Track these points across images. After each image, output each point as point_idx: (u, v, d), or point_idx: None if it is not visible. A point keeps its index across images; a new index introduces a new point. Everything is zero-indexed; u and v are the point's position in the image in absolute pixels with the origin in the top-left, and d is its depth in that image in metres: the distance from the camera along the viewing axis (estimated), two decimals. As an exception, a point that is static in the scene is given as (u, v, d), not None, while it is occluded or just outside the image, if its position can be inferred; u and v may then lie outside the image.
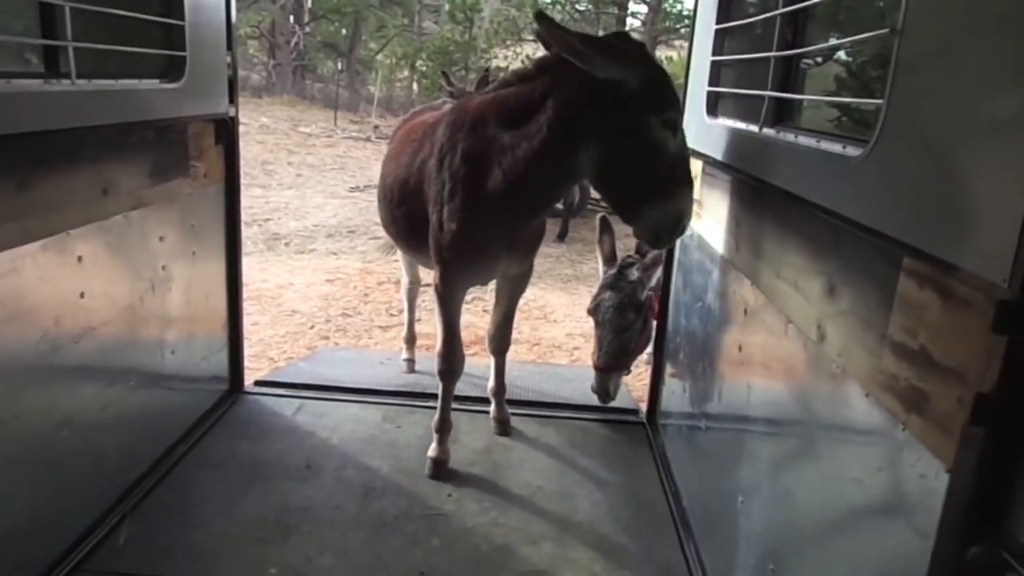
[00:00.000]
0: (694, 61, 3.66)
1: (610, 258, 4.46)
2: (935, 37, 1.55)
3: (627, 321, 4.16)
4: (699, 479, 3.17)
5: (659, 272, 4.24)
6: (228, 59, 3.61)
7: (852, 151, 1.85)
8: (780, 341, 2.28)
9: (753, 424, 2.55)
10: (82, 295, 2.62)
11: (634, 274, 4.25)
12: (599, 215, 4.72)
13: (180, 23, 3.11)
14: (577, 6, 24.10)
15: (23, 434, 2.36)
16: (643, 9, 23.37)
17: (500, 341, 3.91)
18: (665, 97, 2.66)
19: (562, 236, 11.12)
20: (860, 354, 1.74)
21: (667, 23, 22.66)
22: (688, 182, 2.77)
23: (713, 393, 3.04)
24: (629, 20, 24.37)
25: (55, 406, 2.53)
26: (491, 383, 3.98)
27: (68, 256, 2.52)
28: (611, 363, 4.14)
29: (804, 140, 2.24)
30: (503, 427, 3.95)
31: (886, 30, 1.67)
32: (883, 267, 1.65)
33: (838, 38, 2.46)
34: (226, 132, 3.65)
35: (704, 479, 3.11)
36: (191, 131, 3.34)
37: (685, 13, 21.27)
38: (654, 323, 4.34)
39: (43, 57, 2.50)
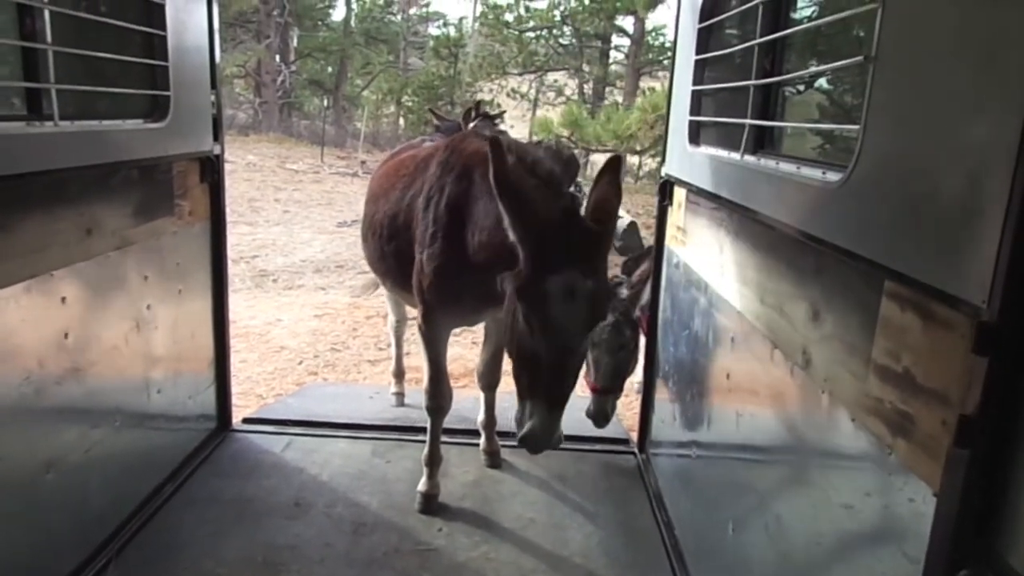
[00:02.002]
0: (675, 91, 3.71)
1: None
2: (908, 64, 1.58)
3: (624, 339, 4.11)
4: (691, 509, 3.15)
5: (647, 290, 4.23)
6: (212, 98, 3.63)
7: (832, 177, 1.88)
8: (767, 367, 2.28)
9: (742, 452, 2.55)
10: (66, 336, 2.60)
11: (624, 292, 4.25)
12: None
13: (164, 64, 3.13)
14: (560, 40, 24.41)
15: (7, 477, 2.32)
16: (626, 42, 23.70)
17: (490, 377, 3.89)
18: (532, 301, 2.38)
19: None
20: (845, 379, 1.75)
21: (650, 55, 22.97)
22: (551, 401, 2.41)
23: (702, 421, 3.03)
24: (612, 53, 24.70)
25: (39, 448, 2.50)
26: (481, 416, 3.96)
27: (52, 297, 2.51)
28: (609, 384, 4.04)
29: (784, 166, 2.27)
30: (493, 459, 3.93)
31: (860, 58, 1.71)
32: (865, 291, 1.67)
33: (815, 67, 2.50)
34: (211, 170, 3.66)
35: (695, 509, 3.09)
36: (176, 170, 3.35)
37: (667, 45, 21.57)
38: (643, 343, 4.36)
39: (26, 99, 2.50)
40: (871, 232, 1.67)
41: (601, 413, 4.06)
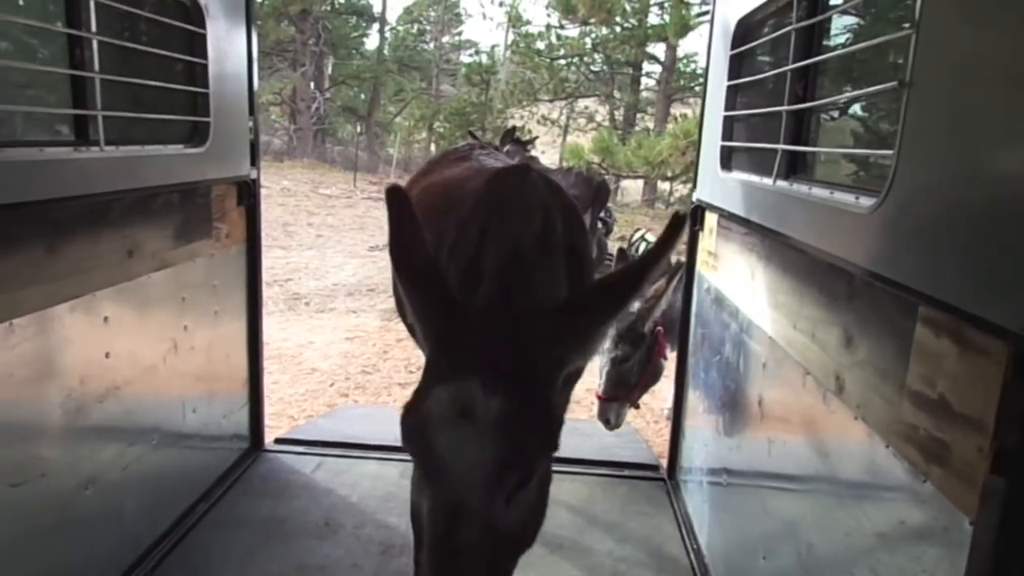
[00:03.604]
0: (707, 117, 3.73)
1: None
2: (943, 89, 1.58)
3: (625, 353, 4.15)
4: (721, 536, 3.11)
5: (663, 305, 4.23)
6: (250, 124, 3.72)
7: (865, 201, 1.87)
8: (799, 393, 2.27)
9: (774, 479, 2.52)
10: (107, 355, 2.66)
11: (635, 306, 4.24)
12: (618, 247, 4.75)
13: (204, 91, 3.23)
14: (591, 67, 24.58)
15: (48, 492, 2.37)
16: (657, 69, 23.79)
17: None
18: (407, 429, 1.67)
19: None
20: (879, 405, 1.73)
21: (681, 82, 23.02)
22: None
23: (733, 448, 3.01)
24: (643, 79, 24.80)
25: (79, 465, 2.55)
26: None
27: (94, 317, 2.58)
28: (611, 393, 4.19)
29: (817, 191, 2.26)
30: None
31: (894, 83, 1.71)
32: (899, 317, 1.66)
33: (848, 92, 2.50)
34: (248, 194, 3.74)
35: (726, 536, 3.05)
36: (214, 193, 3.43)
37: (699, 72, 21.63)
38: (663, 360, 4.35)
39: (73, 126, 2.59)
40: (905, 257, 1.66)
41: (603, 419, 4.22)
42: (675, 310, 4.49)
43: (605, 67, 24.52)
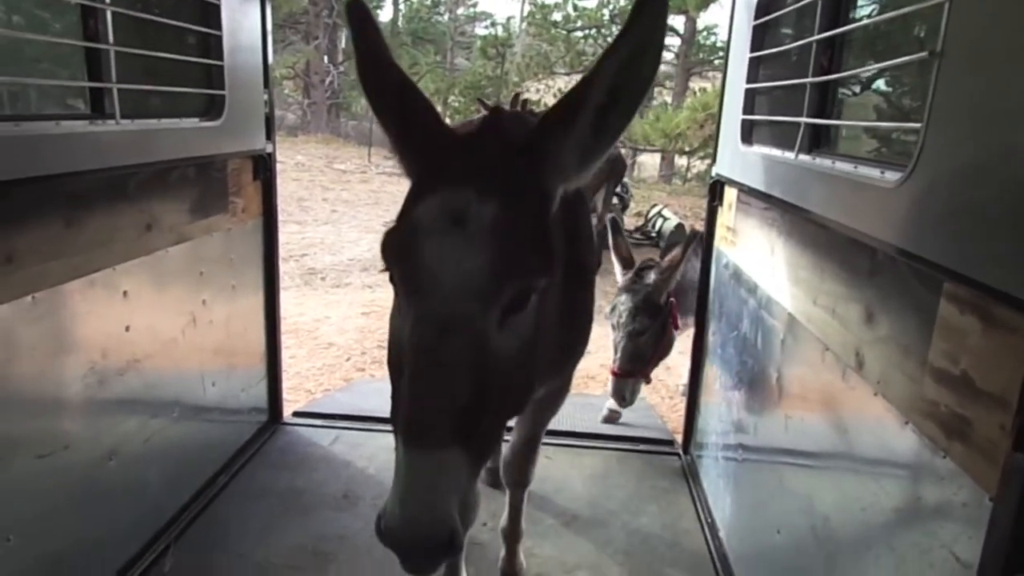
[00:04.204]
0: (728, 89, 3.68)
1: (627, 261, 4.43)
2: (976, 60, 1.54)
3: (642, 326, 4.14)
4: (735, 510, 3.12)
5: (678, 275, 4.22)
6: (265, 97, 3.70)
7: (891, 176, 1.84)
8: (817, 369, 2.25)
9: (791, 455, 2.51)
10: (127, 329, 2.68)
11: (651, 277, 4.25)
12: (609, 216, 4.71)
13: (219, 63, 3.21)
14: (609, 39, 24.28)
15: (73, 465, 2.41)
16: (676, 41, 23.47)
17: (518, 472, 2.84)
18: (392, 246, 1.54)
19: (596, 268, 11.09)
20: (900, 381, 1.72)
21: (700, 55, 22.72)
22: (414, 435, 1.34)
23: (750, 424, 3.00)
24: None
25: (102, 437, 2.58)
26: (503, 521, 2.99)
27: (114, 291, 2.59)
28: (627, 368, 4.18)
29: (841, 166, 2.23)
30: None
31: (925, 53, 1.67)
32: (923, 293, 1.64)
33: (874, 64, 2.45)
34: (263, 168, 3.74)
35: (741, 510, 3.05)
36: (230, 167, 3.43)
37: (719, 45, 21.33)
38: (675, 331, 4.35)
39: (89, 100, 2.59)
40: (931, 232, 1.64)
41: (619, 395, 4.20)
42: (687, 280, 4.47)
43: (622, 39, 24.19)
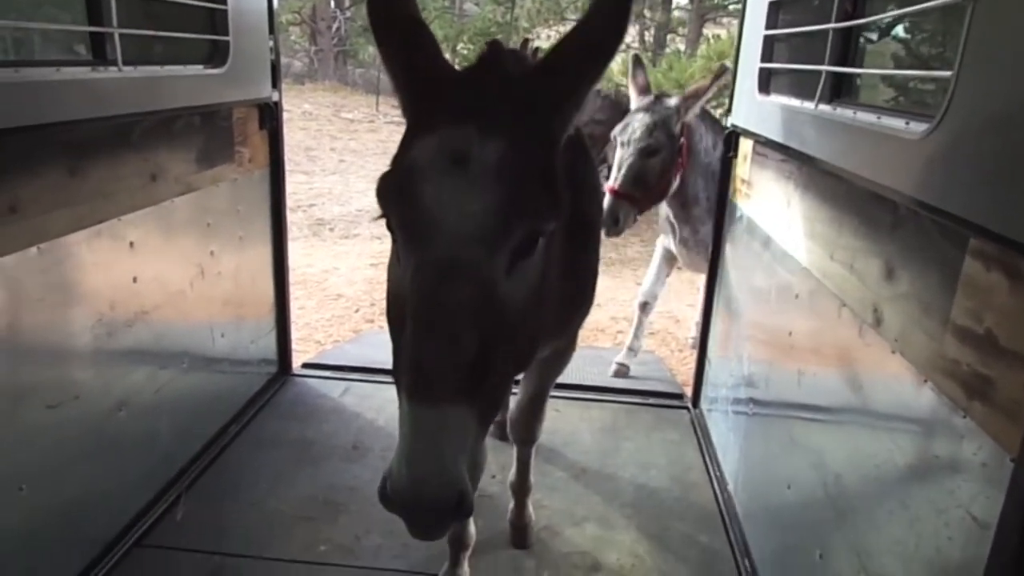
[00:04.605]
0: (745, 37, 3.57)
1: (644, 89, 4.20)
2: (1013, 3, 1.47)
3: (655, 144, 3.91)
4: (746, 466, 3.12)
5: (700, 104, 4.00)
6: (270, 43, 3.62)
7: (916, 127, 1.78)
8: (833, 325, 2.21)
9: (803, 410, 2.50)
10: (135, 280, 2.66)
11: (672, 102, 4.05)
12: (631, 52, 4.53)
13: (223, 7, 3.13)
14: (620, -16, 23.70)
15: (83, 415, 2.42)
16: (686, -13, 22.89)
17: (524, 429, 2.79)
18: (390, 190, 1.46)
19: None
20: (919, 339, 1.68)
21: (714, 0, 22.17)
22: (418, 390, 1.24)
23: (761, 378, 2.98)
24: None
25: (112, 388, 2.59)
26: (512, 476, 2.96)
27: (120, 242, 2.57)
28: (628, 188, 3.91)
29: (863, 116, 2.16)
30: (519, 536, 2.94)
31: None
32: (947, 248, 1.59)
33: (900, 9, 2.35)
34: (270, 117, 3.67)
35: (751, 466, 3.05)
36: (236, 116, 3.37)
37: (729, -11, 20.80)
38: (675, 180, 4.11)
39: (90, 46, 2.53)
40: (958, 186, 1.58)
41: (612, 217, 3.89)
42: (699, 161, 4.21)
43: (634, -15, 23.60)
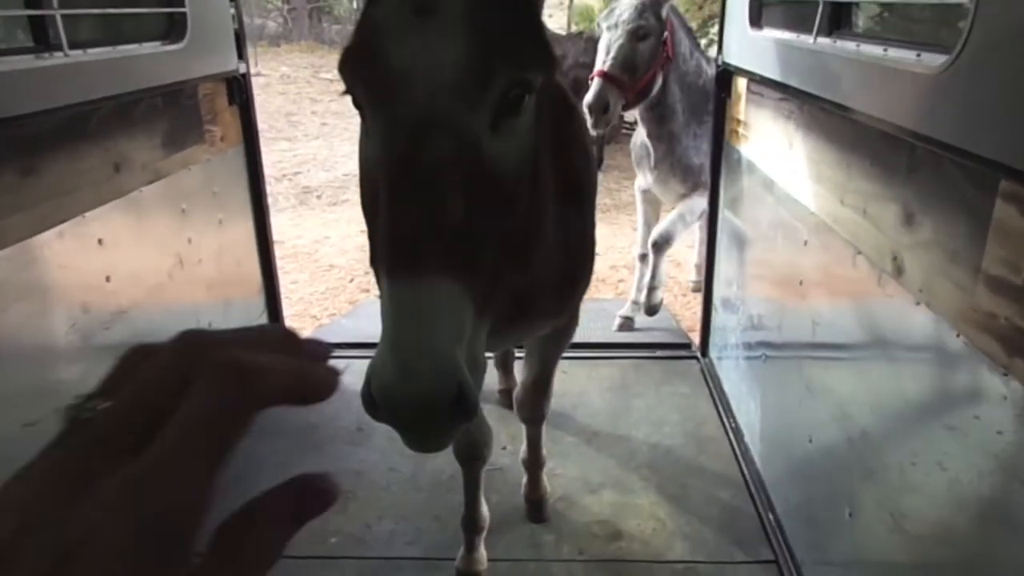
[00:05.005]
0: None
1: None
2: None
3: (646, 26, 3.74)
4: (760, 416, 3.02)
5: None
6: (232, 11, 3.41)
7: (931, 60, 1.62)
8: (848, 273, 2.09)
9: (819, 360, 2.39)
10: (108, 279, 2.52)
11: None
12: None
13: (176, -22, 2.92)
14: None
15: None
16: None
17: (530, 408, 2.69)
18: (353, 54, 1.29)
19: (598, 165, 10.79)
20: (948, 290, 1.56)
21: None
22: (400, 262, 1.07)
23: (773, 327, 2.87)
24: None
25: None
26: (523, 452, 2.89)
27: (87, 240, 2.42)
28: (617, 73, 3.71)
29: (867, 50, 2.00)
30: (536, 510, 2.86)
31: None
32: (974, 192, 1.45)
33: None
34: (239, 90, 3.48)
35: (767, 417, 2.96)
36: (201, 93, 3.19)
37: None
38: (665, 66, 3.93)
39: (30, 30, 2.34)
40: (983, 124, 1.44)
41: (600, 103, 3.67)
42: (687, 81, 4.06)
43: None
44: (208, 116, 3.25)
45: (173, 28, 2.98)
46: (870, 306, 1.97)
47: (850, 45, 2.12)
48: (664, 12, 3.83)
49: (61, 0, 2.30)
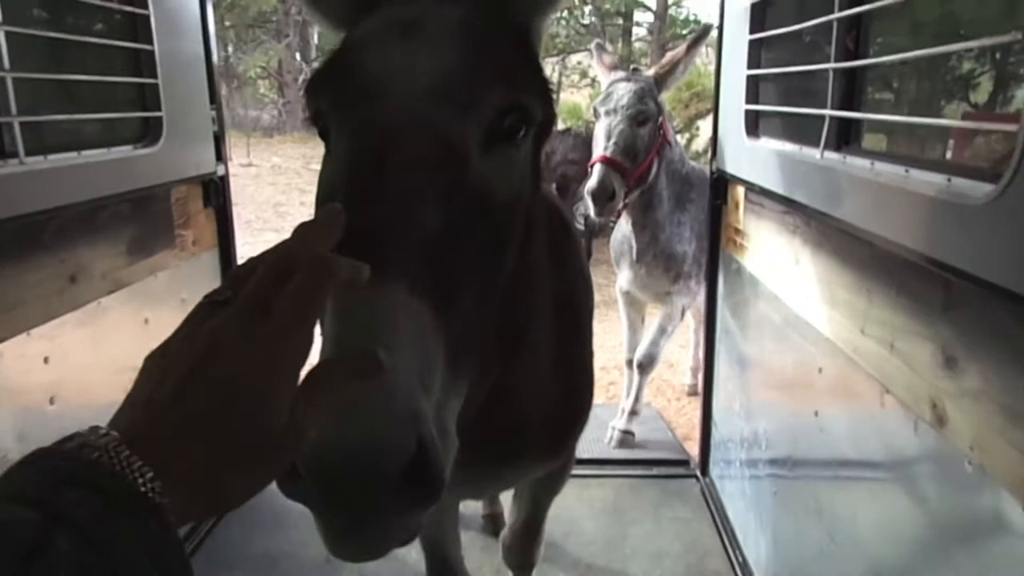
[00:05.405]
0: (724, 75, 3.29)
1: (615, 68, 3.97)
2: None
3: (645, 111, 3.63)
4: (773, 554, 2.75)
5: (680, 73, 3.76)
6: (212, 114, 3.28)
7: (965, 186, 1.46)
8: (875, 412, 1.88)
9: (845, 504, 2.15)
10: (52, 401, 2.28)
11: (649, 73, 3.81)
12: (595, 42, 4.38)
13: (153, 81, 2.79)
14: (581, 20, 23.80)
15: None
16: (649, 18, 23.02)
17: (520, 555, 2.45)
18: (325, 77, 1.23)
19: (587, 257, 10.70)
20: (1005, 451, 1.35)
21: (674, 29, 22.29)
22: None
23: (784, 456, 2.63)
24: (635, 30, 24.04)
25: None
26: None
27: (30, 360, 2.19)
28: (619, 157, 3.56)
29: (885, 169, 1.85)
30: None
31: (1015, 35, 1.29)
32: (1034, 343, 1.27)
33: (912, 43, 2.05)
34: (215, 193, 3.32)
35: (780, 557, 2.69)
36: (174, 197, 3.02)
37: (691, 18, 20.92)
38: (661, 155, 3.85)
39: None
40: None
41: (604, 187, 3.49)
42: (672, 169, 3.96)
43: (595, 19, 23.73)
44: (180, 220, 3.07)
45: (147, 131, 2.84)
46: (905, 455, 1.75)
47: (863, 163, 1.98)
48: (661, 97, 3.77)
49: (24, 105, 2.14)
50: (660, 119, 3.79)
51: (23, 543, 0.51)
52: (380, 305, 0.80)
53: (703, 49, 4.07)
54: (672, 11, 22.56)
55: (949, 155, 1.95)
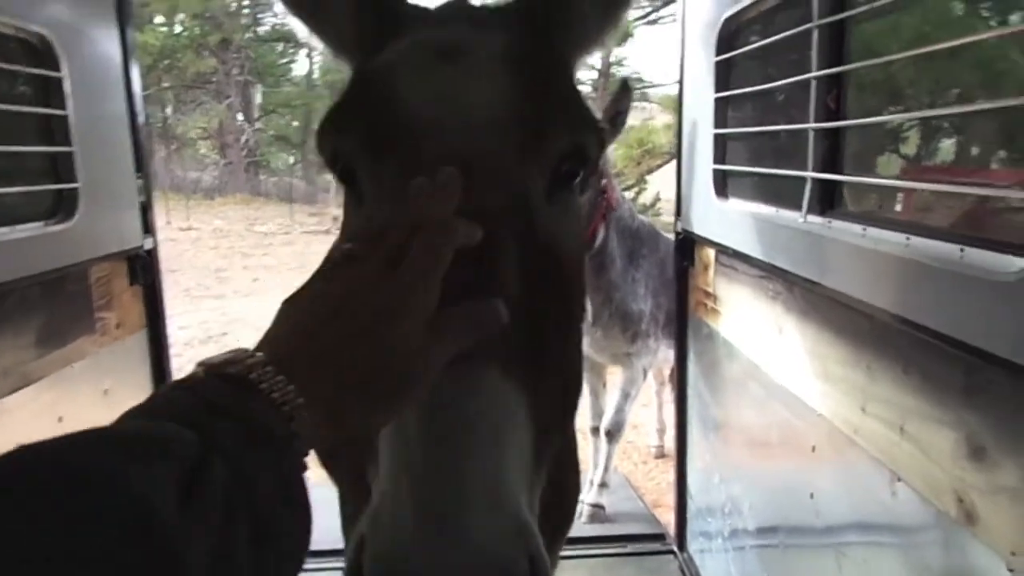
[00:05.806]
0: (687, 134, 3.17)
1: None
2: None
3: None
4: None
5: (616, 128, 3.61)
6: (139, 182, 3.02)
7: (993, 260, 1.30)
8: (885, 501, 1.69)
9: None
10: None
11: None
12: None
13: (67, 150, 2.53)
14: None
15: None
16: (593, 75, 23.48)
17: None
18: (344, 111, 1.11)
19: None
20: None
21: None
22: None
23: (776, 543, 2.42)
24: (581, 88, 24.49)
25: None
26: None
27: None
28: None
29: (880, 235, 1.70)
30: None
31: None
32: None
33: (893, 105, 1.94)
34: (143, 268, 3.03)
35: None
36: (94, 276, 2.73)
37: (635, 75, 21.40)
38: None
39: None
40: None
41: None
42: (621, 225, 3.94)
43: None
44: (101, 301, 2.78)
45: (61, 205, 2.56)
46: (926, 553, 1.56)
47: (853, 228, 1.83)
48: (600, 162, 3.64)
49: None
50: (603, 182, 3.71)
51: (190, 458, 0.55)
52: (475, 387, 0.75)
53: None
54: (615, 69, 23.06)
55: (950, 221, 1.80)
